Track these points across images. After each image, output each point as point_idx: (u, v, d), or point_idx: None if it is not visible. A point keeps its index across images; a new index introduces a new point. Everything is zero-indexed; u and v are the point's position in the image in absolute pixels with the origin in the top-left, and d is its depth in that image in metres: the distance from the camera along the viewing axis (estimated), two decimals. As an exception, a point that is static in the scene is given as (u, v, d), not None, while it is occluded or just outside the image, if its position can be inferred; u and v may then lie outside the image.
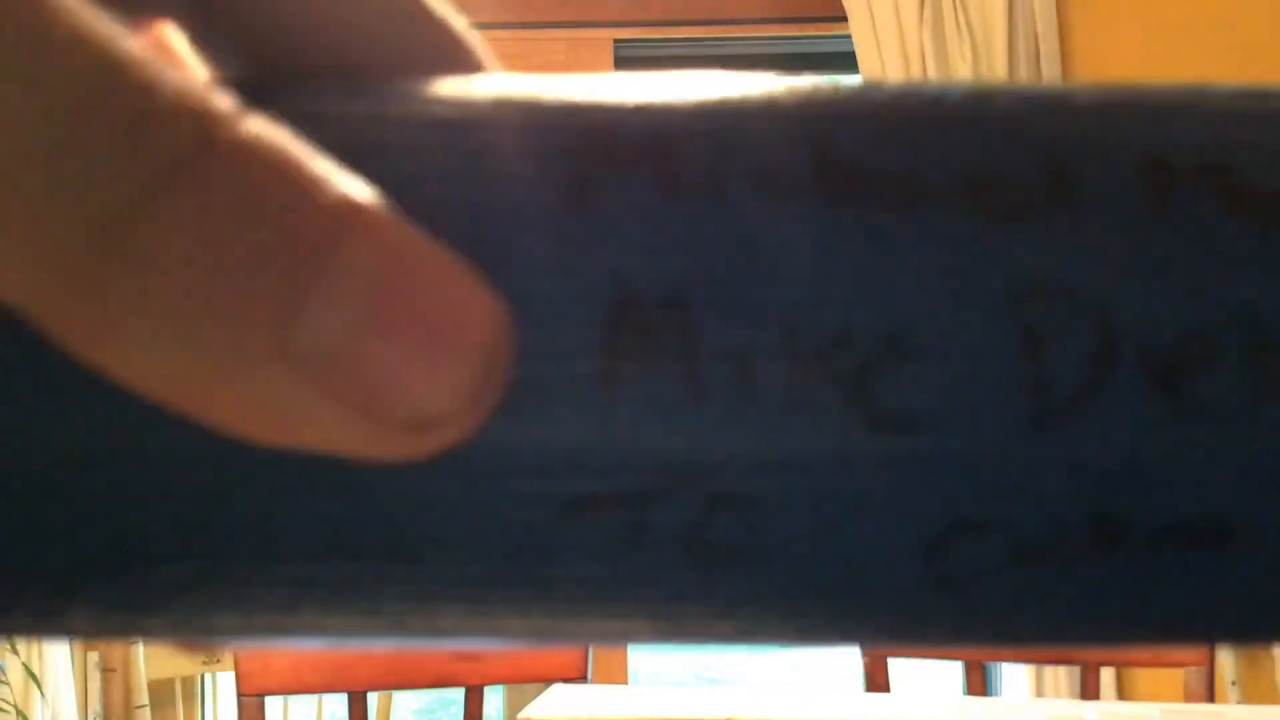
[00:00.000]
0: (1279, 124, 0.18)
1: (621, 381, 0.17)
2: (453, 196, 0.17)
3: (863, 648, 0.20)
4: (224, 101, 0.14)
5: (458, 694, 1.78)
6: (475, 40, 0.20)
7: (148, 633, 0.18)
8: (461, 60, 0.20)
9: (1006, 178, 0.17)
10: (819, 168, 0.17)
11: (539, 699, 1.51)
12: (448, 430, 0.15)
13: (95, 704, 2.31)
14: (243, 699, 1.73)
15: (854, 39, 2.33)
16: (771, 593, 0.18)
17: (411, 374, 0.14)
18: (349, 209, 0.14)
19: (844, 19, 2.34)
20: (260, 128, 0.14)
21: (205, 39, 0.19)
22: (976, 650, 0.19)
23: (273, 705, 1.93)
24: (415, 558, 0.17)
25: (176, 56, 0.19)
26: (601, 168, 0.17)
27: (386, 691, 2.16)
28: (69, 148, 0.13)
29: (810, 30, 2.46)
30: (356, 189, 0.14)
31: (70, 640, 0.18)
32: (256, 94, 0.16)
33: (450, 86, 0.18)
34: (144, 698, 2.26)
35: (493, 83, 0.18)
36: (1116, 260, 0.17)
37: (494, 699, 2.16)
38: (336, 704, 2.26)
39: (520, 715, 1.42)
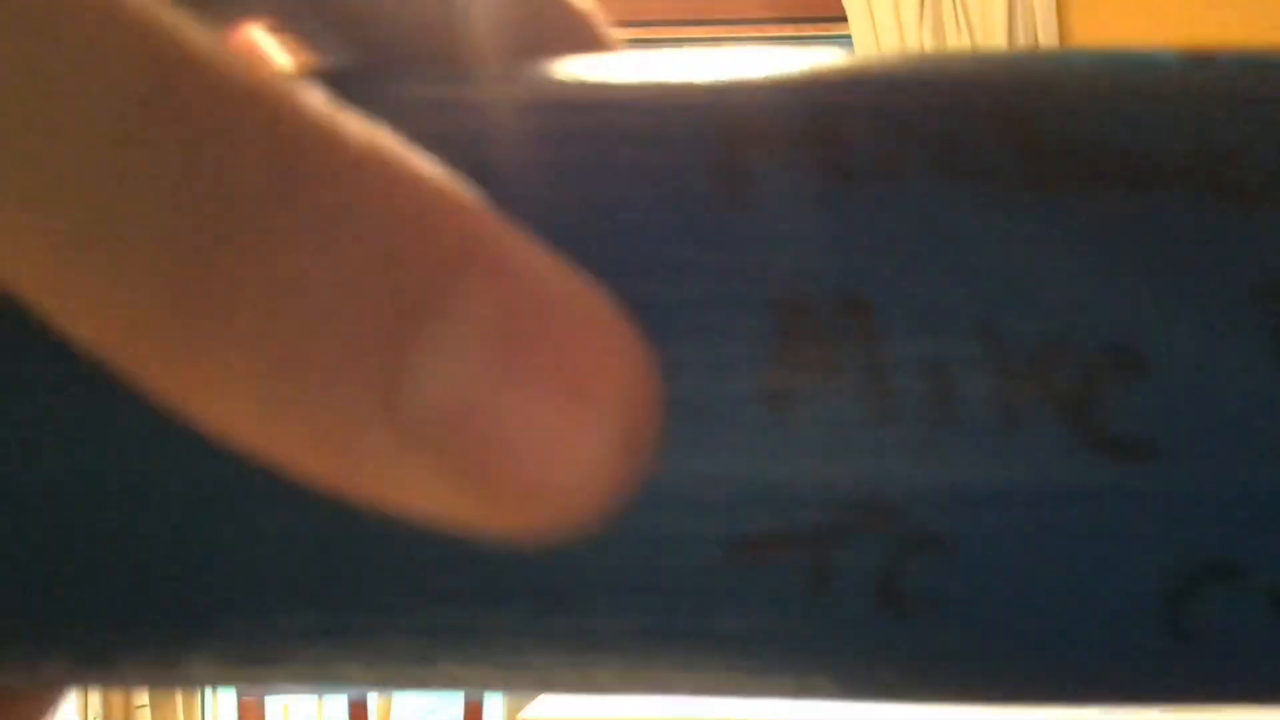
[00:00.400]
0: None
1: (795, 400, 0.14)
2: (584, 192, 0.15)
3: (1089, 707, 0.17)
4: (323, 102, 0.12)
5: (458, 694, 1.78)
6: (599, 19, 0.18)
7: (271, 681, 0.16)
8: (586, 40, 0.17)
9: (1246, 155, 0.15)
10: (1020, 145, 0.15)
11: (539, 699, 1.51)
12: (588, 505, 0.12)
13: (95, 704, 2.31)
14: (243, 699, 1.72)
15: (854, 39, 2.33)
16: (979, 648, 0.15)
17: (545, 440, 0.12)
18: (473, 233, 0.12)
19: (844, 19, 2.34)
20: (369, 134, 0.12)
21: (304, 29, 0.17)
22: (1223, 707, 0.17)
23: (273, 705, 1.93)
24: (565, 606, 0.15)
25: (264, 55, 0.17)
26: (758, 153, 0.15)
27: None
28: (144, 156, 0.11)
29: (810, 30, 2.46)
30: (478, 206, 0.12)
31: (189, 687, 0.17)
32: (355, 84, 0.15)
33: (574, 68, 0.16)
34: (144, 698, 2.26)
35: (620, 63, 0.16)
36: None
37: (494, 699, 2.16)
38: (336, 704, 2.26)
39: (520, 715, 1.42)
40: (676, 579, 0.15)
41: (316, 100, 0.12)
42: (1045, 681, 0.16)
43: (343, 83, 0.14)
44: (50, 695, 0.20)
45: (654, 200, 0.15)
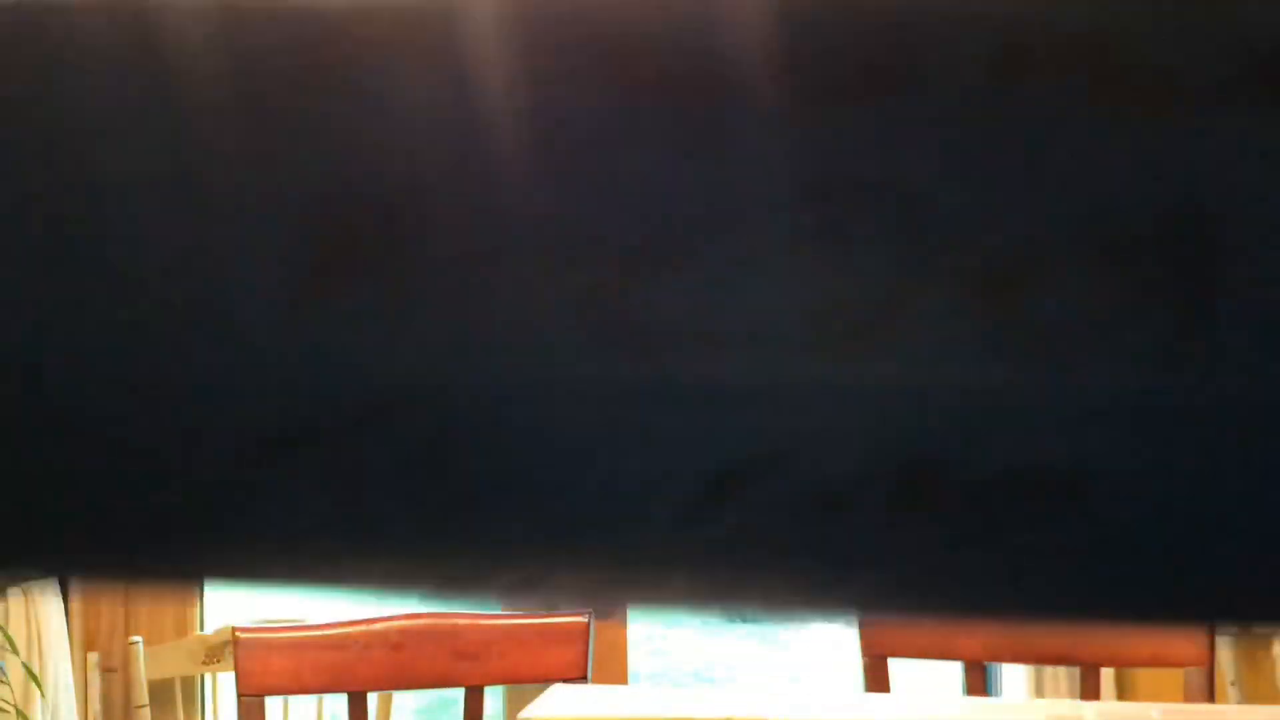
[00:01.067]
0: None
1: (321, 308, 0.15)
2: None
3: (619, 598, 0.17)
4: None
5: (458, 694, 1.78)
6: None
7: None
8: None
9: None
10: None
11: (539, 699, 1.51)
12: None
13: (95, 704, 2.31)
14: (243, 699, 1.73)
15: (854, 39, 2.33)
16: (521, 523, 0.16)
17: None
18: None
19: (844, 19, 2.34)
20: None
21: None
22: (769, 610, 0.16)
23: (273, 705, 1.93)
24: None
25: None
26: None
27: (386, 692, 2.16)
28: None
29: (810, 30, 2.46)
30: None
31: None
32: None
33: None
34: (144, 698, 2.26)
35: None
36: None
37: (494, 699, 2.16)
38: (336, 704, 2.26)
39: (520, 715, 1.42)
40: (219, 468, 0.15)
41: None
42: (609, 579, 0.16)
43: None
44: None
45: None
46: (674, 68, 0.15)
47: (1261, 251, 0.14)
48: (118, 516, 0.16)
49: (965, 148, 0.14)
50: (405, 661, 1.75)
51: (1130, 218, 0.14)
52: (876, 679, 1.81)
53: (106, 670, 2.34)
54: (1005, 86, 0.14)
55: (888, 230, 0.14)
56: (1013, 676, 2.41)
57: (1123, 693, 2.31)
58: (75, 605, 2.35)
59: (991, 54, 0.14)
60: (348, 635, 1.74)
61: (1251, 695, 2.30)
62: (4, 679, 2.18)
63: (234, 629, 1.75)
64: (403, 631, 1.74)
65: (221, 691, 2.48)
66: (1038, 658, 2.01)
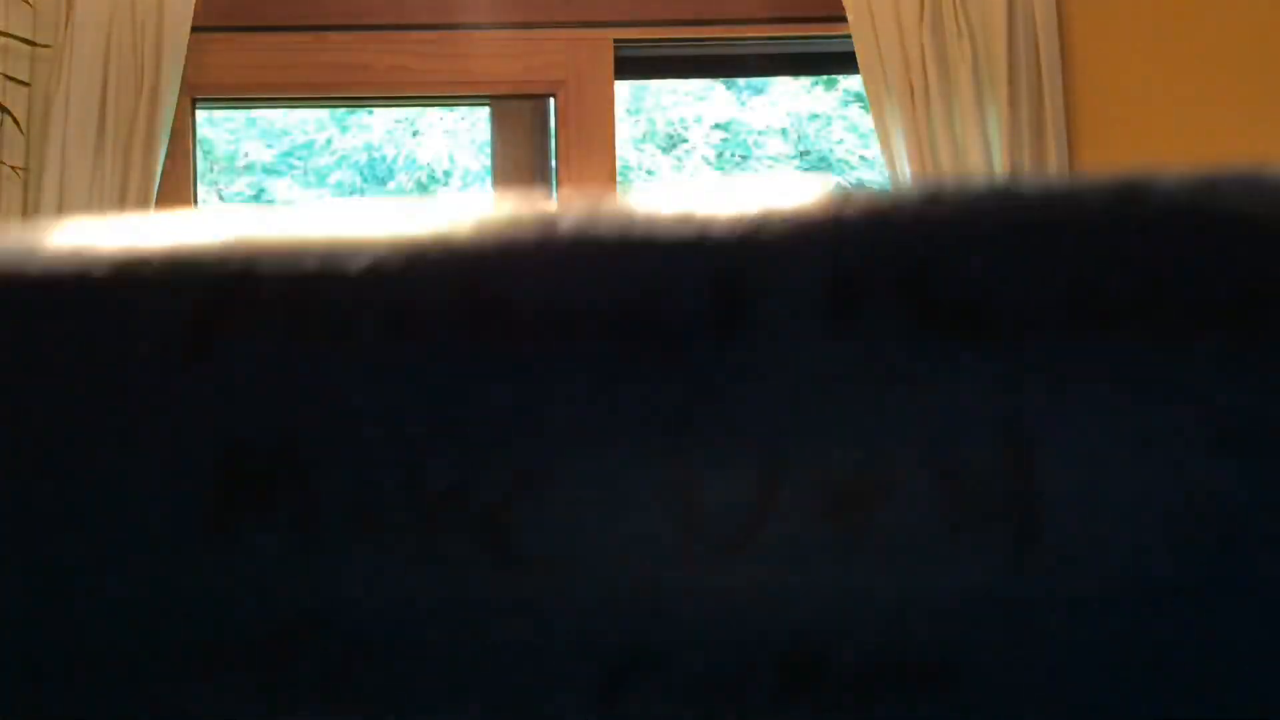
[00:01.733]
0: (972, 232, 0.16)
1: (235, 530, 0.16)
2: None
3: None
4: None
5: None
6: None
7: None
8: None
9: (668, 305, 0.16)
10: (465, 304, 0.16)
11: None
12: None
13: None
14: (243, 699, 1.72)
15: (854, 39, 2.33)
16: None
17: None
18: None
19: (844, 19, 2.34)
20: None
21: None
22: None
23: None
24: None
25: None
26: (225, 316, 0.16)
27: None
28: None
29: (810, 30, 2.46)
30: None
31: None
32: None
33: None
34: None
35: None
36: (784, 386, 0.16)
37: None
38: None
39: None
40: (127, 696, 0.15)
41: None
42: None
43: None
44: None
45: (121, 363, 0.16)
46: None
47: (1077, 477, 0.15)
48: None
49: (807, 387, 0.16)
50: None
51: (961, 443, 0.16)
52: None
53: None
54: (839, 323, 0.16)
55: (748, 455, 0.16)
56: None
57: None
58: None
59: (822, 291, 0.16)
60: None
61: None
62: (4, 679, 2.18)
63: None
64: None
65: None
66: None
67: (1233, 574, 0.15)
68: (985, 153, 2.27)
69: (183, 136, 2.36)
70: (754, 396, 0.16)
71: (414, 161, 5.11)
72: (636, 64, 2.52)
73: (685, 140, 4.95)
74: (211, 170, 5.09)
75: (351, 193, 5.14)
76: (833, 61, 2.60)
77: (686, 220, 0.17)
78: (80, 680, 0.16)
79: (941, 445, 0.16)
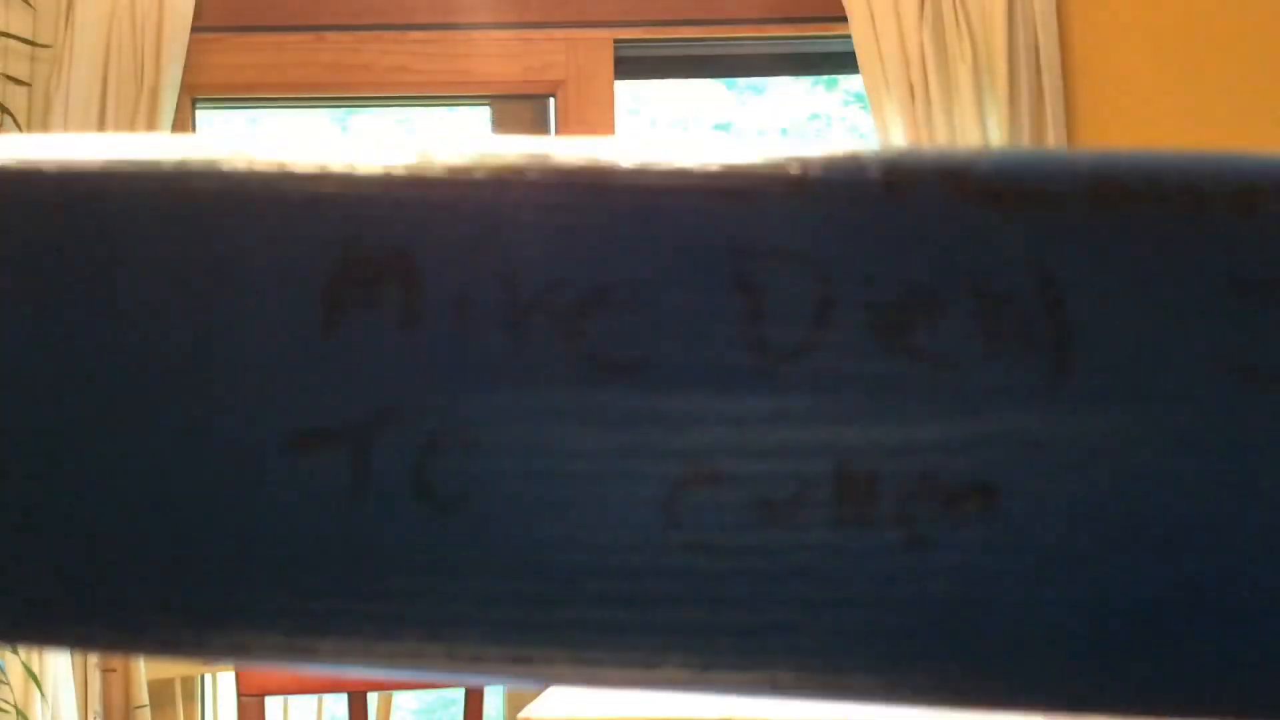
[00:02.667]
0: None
1: (341, 317, 0.17)
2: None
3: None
4: None
5: (458, 694, 1.78)
6: None
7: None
8: None
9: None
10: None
11: (539, 699, 1.51)
12: None
13: (95, 704, 2.31)
14: (243, 699, 1.72)
15: (854, 39, 2.33)
16: (496, 543, 0.17)
17: None
18: None
19: (844, 19, 2.34)
20: None
21: None
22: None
23: (273, 705, 1.93)
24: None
25: None
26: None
27: (386, 692, 2.16)
28: None
29: (810, 30, 2.46)
30: None
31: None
32: None
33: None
34: (144, 698, 2.26)
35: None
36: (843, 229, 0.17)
37: (494, 699, 2.16)
38: (336, 704, 2.26)
39: (520, 715, 1.42)
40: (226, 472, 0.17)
41: None
42: (560, 588, 0.17)
43: None
44: None
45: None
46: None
47: (1107, 320, 0.17)
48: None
49: (857, 234, 0.17)
50: (405, 661, 1.75)
51: (999, 280, 0.17)
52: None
53: (106, 670, 2.34)
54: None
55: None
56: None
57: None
58: (75, 605, 2.34)
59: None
60: (348, 635, 1.73)
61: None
62: (4, 679, 2.18)
63: (234, 629, 1.75)
64: (403, 631, 1.74)
65: (221, 691, 2.48)
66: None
67: (1256, 407, 0.16)
68: (985, 152, 2.26)
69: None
70: (809, 237, 0.17)
71: (414, 161, 5.10)
72: (636, 64, 2.52)
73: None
74: (211, 170, 5.08)
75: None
76: (833, 61, 2.60)
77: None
78: (192, 454, 0.17)
79: (981, 279, 0.17)
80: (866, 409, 0.17)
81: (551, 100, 2.47)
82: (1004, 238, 0.17)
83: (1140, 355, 0.17)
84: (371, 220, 0.17)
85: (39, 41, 2.21)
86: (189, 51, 2.29)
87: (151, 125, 2.24)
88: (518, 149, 0.18)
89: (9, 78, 2.19)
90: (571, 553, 0.17)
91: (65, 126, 2.21)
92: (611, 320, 0.17)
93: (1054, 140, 2.28)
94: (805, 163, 0.17)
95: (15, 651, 2.19)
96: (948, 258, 0.17)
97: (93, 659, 2.35)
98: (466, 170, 0.17)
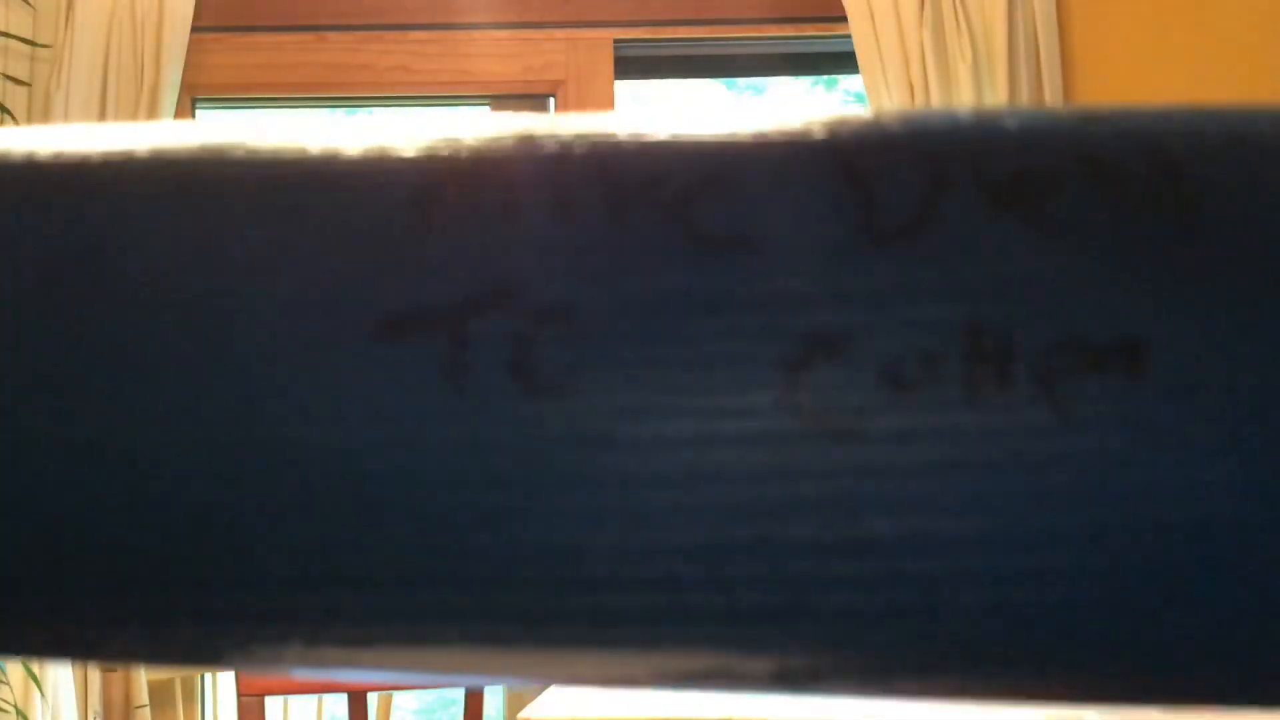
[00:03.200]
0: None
1: (437, 203, 0.17)
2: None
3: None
4: None
5: (458, 694, 1.78)
6: None
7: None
8: None
9: None
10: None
11: (539, 699, 1.51)
12: None
13: (95, 704, 2.31)
14: (243, 699, 1.72)
15: (854, 39, 2.33)
16: (599, 424, 0.16)
17: None
18: None
19: (844, 19, 2.34)
20: None
21: None
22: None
23: (273, 705, 1.93)
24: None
25: None
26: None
27: (386, 692, 2.16)
28: None
29: (810, 30, 2.46)
30: None
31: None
32: None
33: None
34: (144, 698, 2.26)
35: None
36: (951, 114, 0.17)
37: (494, 699, 2.16)
38: (336, 704, 2.26)
39: (520, 715, 1.42)
40: (323, 356, 0.16)
41: None
42: (680, 488, 0.16)
43: None
44: None
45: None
46: None
47: (1227, 185, 0.17)
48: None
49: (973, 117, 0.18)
50: (405, 661, 1.75)
51: (1113, 152, 0.17)
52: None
53: (106, 670, 2.34)
54: None
55: None
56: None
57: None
58: (75, 605, 2.34)
59: None
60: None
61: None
62: (4, 679, 2.18)
63: (234, 629, 1.75)
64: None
65: (221, 691, 2.48)
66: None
67: None
68: (985, 152, 2.26)
69: (183, 136, 2.35)
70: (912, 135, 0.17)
71: (414, 161, 5.09)
72: (636, 64, 2.52)
73: (685, 140, 4.92)
74: (211, 170, 5.08)
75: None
76: (833, 61, 2.60)
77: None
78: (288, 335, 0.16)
79: (1098, 152, 0.17)
80: (992, 276, 0.16)
81: (551, 100, 2.47)
82: (1120, 130, 0.17)
83: (1266, 221, 0.16)
84: (464, 147, 0.17)
85: (39, 41, 2.21)
86: (189, 51, 2.29)
87: (151, 125, 2.24)
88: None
89: (9, 78, 2.19)
90: (682, 437, 0.16)
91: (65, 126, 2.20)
92: (718, 202, 0.16)
93: (1054, 140, 2.28)
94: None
95: (15, 651, 2.19)
96: (1057, 143, 0.17)
97: (93, 659, 2.35)
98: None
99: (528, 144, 0.17)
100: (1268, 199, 0.16)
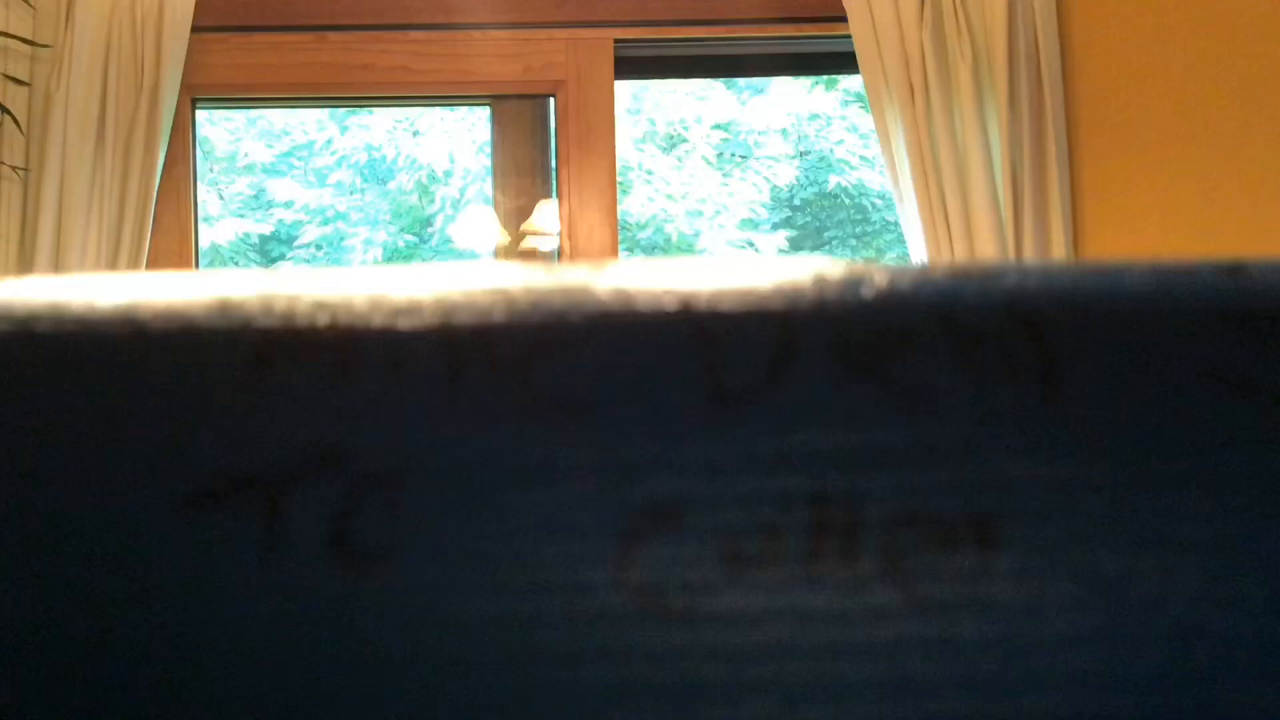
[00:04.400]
0: None
1: (270, 367, 0.16)
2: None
3: None
4: None
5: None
6: None
7: None
8: None
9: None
10: None
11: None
12: None
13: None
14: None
15: (854, 39, 2.33)
16: (419, 602, 0.15)
17: None
18: None
19: (844, 19, 2.34)
20: None
21: None
22: None
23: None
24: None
25: None
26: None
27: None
28: None
29: (810, 30, 2.46)
30: None
31: None
32: None
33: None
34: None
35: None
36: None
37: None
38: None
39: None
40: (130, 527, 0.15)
41: None
42: (499, 654, 0.15)
43: None
44: None
45: None
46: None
47: None
48: None
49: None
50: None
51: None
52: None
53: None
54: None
55: None
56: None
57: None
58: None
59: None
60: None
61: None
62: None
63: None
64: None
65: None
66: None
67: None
68: (985, 152, 2.26)
69: (183, 136, 2.36)
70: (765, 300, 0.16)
71: (414, 161, 5.10)
72: (636, 64, 2.52)
73: (685, 140, 4.94)
74: (211, 170, 5.08)
75: (351, 193, 5.14)
76: (833, 61, 2.60)
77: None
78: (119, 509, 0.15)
79: (960, 313, 0.16)
80: (839, 444, 0.15)
81: (551, 100, 2.47)
82: (978, 290, 0.16)
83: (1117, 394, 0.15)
84: (304, 302, 0.16)
85: (39, 41, 2.21)
86: (189, 51, 2.29)
87: (151, 125, 2.24)
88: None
89: (9, 78, 2.19)
90: (509, 616, 0.15)
91: (65, 126, 2.21)
92: (559, 363, 0.15)
93: (1054, 140, 2.28)
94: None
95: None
96: (918, 304, 0.16)
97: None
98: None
99: (372, 301, 0.16)
100: (1130, 362, 0.15)
